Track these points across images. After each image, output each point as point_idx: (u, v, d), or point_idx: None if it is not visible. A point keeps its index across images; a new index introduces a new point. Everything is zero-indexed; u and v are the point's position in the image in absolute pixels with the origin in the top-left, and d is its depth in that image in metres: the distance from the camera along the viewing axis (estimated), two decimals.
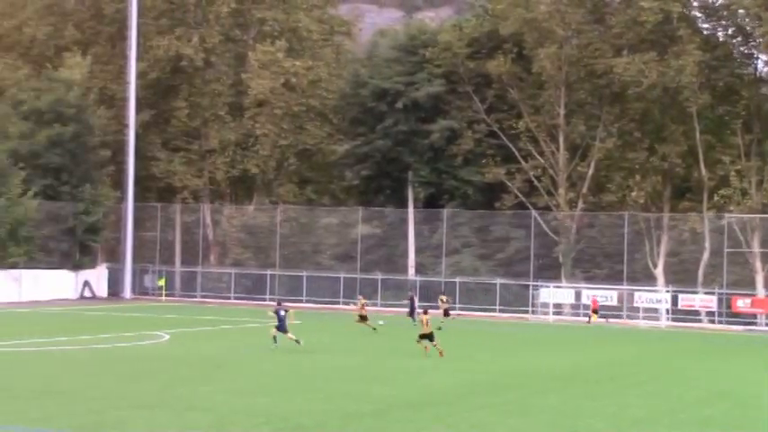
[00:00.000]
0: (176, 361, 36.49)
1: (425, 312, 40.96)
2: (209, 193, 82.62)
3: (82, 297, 75.93)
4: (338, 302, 74.73)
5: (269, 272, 77.78)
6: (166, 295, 77.03)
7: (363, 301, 53.66)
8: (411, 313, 58.89)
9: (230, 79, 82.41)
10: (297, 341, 40.74)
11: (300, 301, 74.24)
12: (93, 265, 78.21)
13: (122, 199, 79.24)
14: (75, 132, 75.11)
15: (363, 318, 51.95)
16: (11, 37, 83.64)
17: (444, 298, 61.05)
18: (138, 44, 78.09)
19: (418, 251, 77.55)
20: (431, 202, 77.81)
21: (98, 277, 78.39)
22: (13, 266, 71.00)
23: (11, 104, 76.23)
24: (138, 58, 78.20)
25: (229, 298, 77.71)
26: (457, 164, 76.17)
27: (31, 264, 72.36)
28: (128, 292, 78.05)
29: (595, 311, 66.66)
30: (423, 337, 39.47)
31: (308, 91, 79.56)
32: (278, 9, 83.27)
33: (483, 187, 75.77)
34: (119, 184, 79.80)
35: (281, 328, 41.12)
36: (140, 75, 78.77)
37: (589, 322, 65.71)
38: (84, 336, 45.69)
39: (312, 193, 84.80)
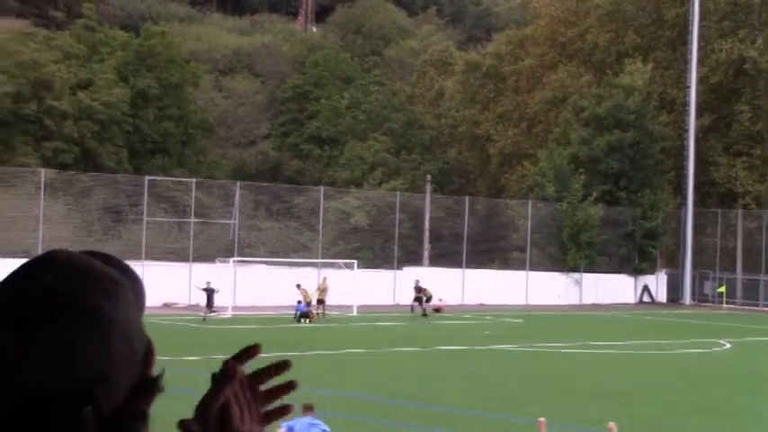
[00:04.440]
0: (739, 369, 35.30)
1: None
2: None
3: (641, 302, 76.06)
4: None
5: None
6: (727, 303, 75.09)
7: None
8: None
9: None
10: None
11: None
12: (652, 270, 78.07)
13: (682, 204, 78.43)
14: (634, 138, 75.40)
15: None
16: (574, 45, 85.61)
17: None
18: (699, 48, 76.95)
19: None
20: None
21: (657, 282, 78.19)
22: (574, 269, 72.56)
23: (572, 111, 78.14)
24: (699, 62, 77.06)
25: None
26: None
27: (591, 267, 73.56)
28: (687, 299, 77.04)
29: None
30: None
31: None
32: None
33: None
34: (678, 189, 79.07)
35: None
36: (701, 79, 77.49)
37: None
38: (642, 340, 45.55)
39: None
